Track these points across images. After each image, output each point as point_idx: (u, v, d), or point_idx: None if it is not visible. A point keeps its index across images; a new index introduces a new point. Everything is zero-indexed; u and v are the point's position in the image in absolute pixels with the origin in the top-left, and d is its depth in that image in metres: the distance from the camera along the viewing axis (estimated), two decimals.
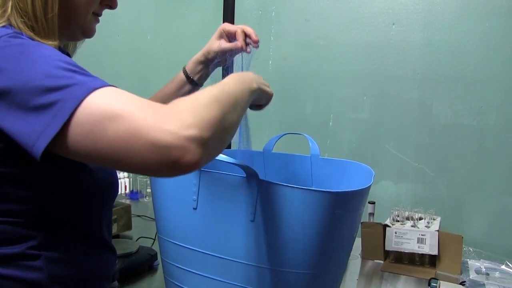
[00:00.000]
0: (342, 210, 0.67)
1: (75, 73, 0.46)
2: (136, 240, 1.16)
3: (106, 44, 1.63)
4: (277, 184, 0.65)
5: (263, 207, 0.66)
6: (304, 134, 0.93)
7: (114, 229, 1.19)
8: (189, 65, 0.87)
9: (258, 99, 0.67)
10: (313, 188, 0.65)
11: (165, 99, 0.82)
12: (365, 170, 0.86)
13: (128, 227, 1.25)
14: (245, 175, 0.67)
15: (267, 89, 0.68)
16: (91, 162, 0.46)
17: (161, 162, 0.41)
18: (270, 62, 1.43)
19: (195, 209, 0.72)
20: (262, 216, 0.67)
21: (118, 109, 0.42)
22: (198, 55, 0.86)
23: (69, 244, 0.56)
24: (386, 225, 1.12)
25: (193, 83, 0.86)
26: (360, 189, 0.69)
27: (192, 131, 0.41)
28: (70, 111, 0.43)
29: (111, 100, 0.43)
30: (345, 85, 1.35)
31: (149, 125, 0.41)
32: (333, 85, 1.36)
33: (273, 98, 1.49)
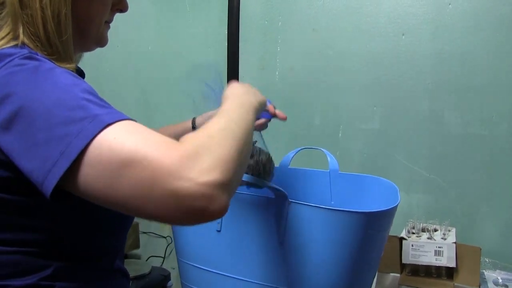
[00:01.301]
0: (374, 230, 0.67)
1: (89, 102, 0.43)
2: (147, 260, 1.15)
3: (105, 55, 1.59)
4: (308, 205, 0.65)
5: (293, 229, 0.66)
6: (322, 149, 0.92)
7: None
8: (200, 118, 0.84)
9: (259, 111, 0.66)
10: (346, 210, 0.64)
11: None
12: (386, 185, 0.86)
13: (136, 245, 1.24)
14: (273, 196, 0.67)
15: (262, 99, 0.65)
16: (104, 205, 0.43)
17: (185, 212, 0.38)
18: (277, 73, 1.40)
19: (219, 231, 0.72)
20: (291, 239, 0.67)
21: (132, 153, 0.39)
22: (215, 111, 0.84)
23: (83, 273, 0.54)
24: (402, 238, 1.12)
25: None
26: (391, 208, 0.69)
27: (214, 176, 0.39)
28: (79, 149, 0.40)
29: (125, 140, 0.40)
30: (354, 95, 1.32)
31: (167, 172, 0.38)
32: (342, 96, 1.34)
33: (281, 109, 1.46)
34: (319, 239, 0.65)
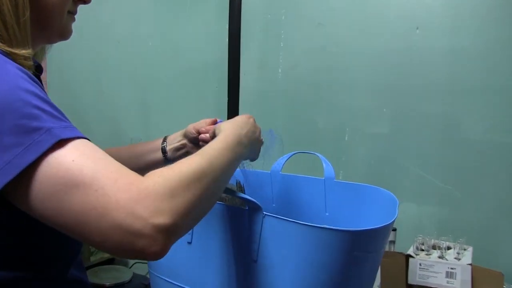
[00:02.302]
0: (361, 251, 0.60)
1: (43, 112, 0.42)
2: (130, 267, 1.10)
3: (105, 51, 1.59)
4: (284, 219, 0.60)
5: (268, 245, 0.61)
6: (317, 154, 0.87)
7: (108, 253, 1.13)
8: (171, 138, 0.80)
9: (252, 155, 0.68)
10: (326, 226, 0.57)
11: (133, 159, 0.79)
12: (386, 197, 0.78)
13: None
14: (246, 207, 0.63)
15: (257, 141, 0.67)
16: (47, 224, 0.42)
17: (124, 247, 0.39)
18: (280, 71, 1.37)
19: (189, 243, 0.69)
20: (266, 256, 0.62)
21: (89, 179, 0.40)
22: (189, 129, 0.78)
23: (29, 284, 0.52)
24: (409, 255, 1.03)
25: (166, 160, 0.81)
26: (382, 226, 0.61)
27: (164, 220, 0.40)
28: (28, 162, 0.40)
29: (84, 164, 0.40)
30: (362, 96, 1.26)
31: (119, 205, 0.39)
32: (348, 97, 1.28)
33: (282, 111, 1.44)
34: (296, 258, 0.59)
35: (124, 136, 1.60)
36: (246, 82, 1.36)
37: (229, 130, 0.60)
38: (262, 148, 0.73)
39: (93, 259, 1.24)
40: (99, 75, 1.64)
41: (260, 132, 0.68)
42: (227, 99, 1.33)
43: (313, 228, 0.57)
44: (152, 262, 0.76)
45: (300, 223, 0.57)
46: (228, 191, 0.62)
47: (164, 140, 0.80)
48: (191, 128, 0.76)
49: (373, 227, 0.58)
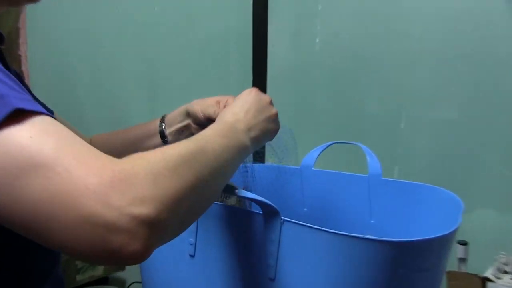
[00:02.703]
0: (408, 268, 0.59)
1: None
2: (128, 287, 1.12)
3: (105, 21, 1.62)
4: (306, 226, 0.59)
5: (289, 259, 0.62)
6: (360, 144, 0.87)
7: (100, 270, 1.14)
8: (170, 117, 0.82)
9: (260, 145, 0.67)
10: (361, 236, 0.57)
11: (126, 146, 0.82)
12: (448, 199, 0.77)
13: (121, 267, 1.25)
14: (260, 211, 0.64)
15: (269, 127, 0.67)
16: None
17: (95, 246, 0.38)
18: (317, 40, 1.36)
19: (192, 256, 0.71)
20: (286, 273, 0.62)
21: (48, 156, 0.39)
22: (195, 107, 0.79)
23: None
24: (487, 279, 1.03)
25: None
26: (438, 237, 0.60)
27: (145, 209, 0.39)
28: None
29: (44, 143, 0.40)
30: (424, 71, 1.25)
31: (89, 191, 0.38)
32: (406, 72, 1.27)
33: (320, 90, 1.43)
34: (322, 276, 0.59)
35: (126, 123, 1.62)
36: (275, 55, 1.36)
37: (226, 112, 0.62)
38: (279, 150, 0.74)
39: (81, 278, 1.24)
40: (96, 50, 1.67)
41: (274, 113, 0.68)
42: (251, 76, 1.33)
43: (345, 237, 0.56)
44: (148, 280, 0.77)
45: (327, 231, 0.57)
46: (229, 189, 0.62)
47: (162, 121, 0.81)
48: (198, 110, 0.76)
49: (423, 238, 0.57)
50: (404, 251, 0.57)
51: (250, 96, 0.67)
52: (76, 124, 0.77)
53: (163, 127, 0.79)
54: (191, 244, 0.70)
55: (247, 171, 0.81)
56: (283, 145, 0.81)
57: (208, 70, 1.54)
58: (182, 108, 0.79)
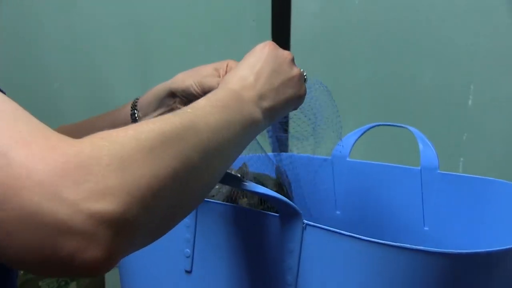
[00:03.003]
0: (467, 284, 0.59)
1: None
2: None
3: (98, 11, 1.62)
4: (339, 233, 0.60)
5: (312, 276, 0.63)
6: (409, 127, 0.90)
7: None
8: (144, 101, 0.83)
9: (277, 117, 0.67)
10: (412, 247, 0.56)
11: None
12: None
13: (100, 285, 1.27)
14: (276, 213, 0.65)
15: (290, 93, 0.66)
16: None
17: (42, 252, 0.37)
18: None
19: (188, 272, 0.73)
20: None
21: None
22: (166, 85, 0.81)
23: None
24: None
25: None
26: (506, 250, 0.59)
27: (108, 204, 0.38)
28: None
29: None
30: (495, 33, 1.23)
31: (33, 181, 0.37)
32: (472, 36, 1.27)
33: (361, 59, 1.42)
34: None
35: (111, 105, 1.60)
36: (300, 14, 1.37)
37: (231, 76, 0.61)
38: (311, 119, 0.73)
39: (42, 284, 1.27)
40: (87, 41, 1.65)
41: (296, 74, 0.66)
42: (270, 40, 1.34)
43: (386, 247, 0.56)
44: None
45: (365, 240, 0.56)
46: (234, 181, 0.61)
47: (134, 106, 0.81)
48: (191, 85, 0.76)
49: (494, 250, 0.56)
50: (467, 265, 0.57)
51: (263, 52, 0.65)
52: (43, 108, 0.73)
53: (136, 115, 0.80)
54: (187, 257, 0.71)
55: (281, 160, 0.81)
56: (317, 109, 0.78)
57: (217, 35, 1.53)
58: (159, 89, 0.78)
